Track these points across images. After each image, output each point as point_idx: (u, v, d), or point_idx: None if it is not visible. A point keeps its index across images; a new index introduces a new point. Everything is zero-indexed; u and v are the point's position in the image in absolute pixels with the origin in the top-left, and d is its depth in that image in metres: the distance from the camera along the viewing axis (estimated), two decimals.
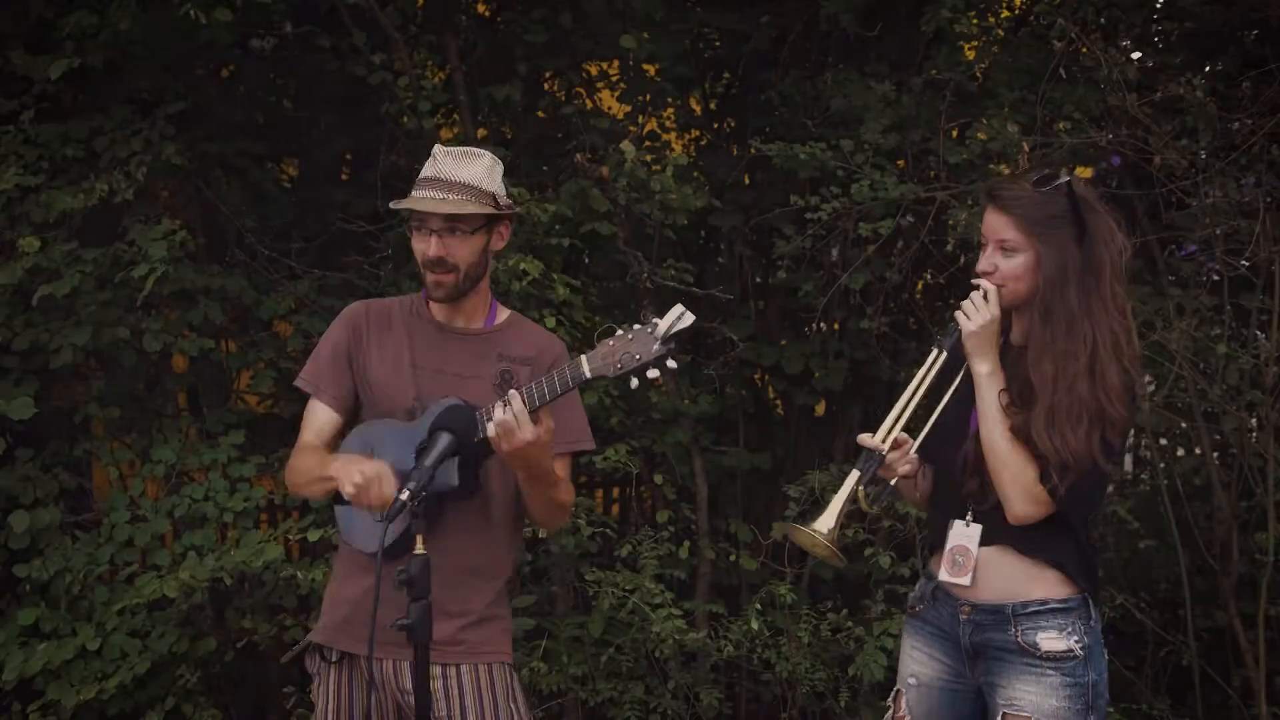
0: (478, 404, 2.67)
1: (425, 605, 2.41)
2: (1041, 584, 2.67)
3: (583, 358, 2.51)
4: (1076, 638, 2.65)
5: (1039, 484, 2.59)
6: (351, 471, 2.59)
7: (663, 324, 2.41)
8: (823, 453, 5.28)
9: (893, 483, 2.70)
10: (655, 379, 2.49)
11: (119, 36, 4.61)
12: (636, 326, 2.46)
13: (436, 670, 2.74)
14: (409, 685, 2.68)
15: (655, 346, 2.41)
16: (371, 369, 2.84)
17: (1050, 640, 2.64)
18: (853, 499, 2.62)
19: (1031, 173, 2.77)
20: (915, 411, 2.69)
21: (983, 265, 2.69)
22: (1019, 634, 2.66)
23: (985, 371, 2.66)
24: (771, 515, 4.98)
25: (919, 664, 2.81)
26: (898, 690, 2.85)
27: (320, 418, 2.87)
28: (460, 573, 2.76)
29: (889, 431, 2.64)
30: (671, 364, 2.44)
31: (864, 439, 2.64)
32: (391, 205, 2.84)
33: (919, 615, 2.83)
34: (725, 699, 4.81)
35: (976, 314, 2.65)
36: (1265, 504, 4.51)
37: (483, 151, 2.83)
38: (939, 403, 2.75)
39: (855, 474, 2.62)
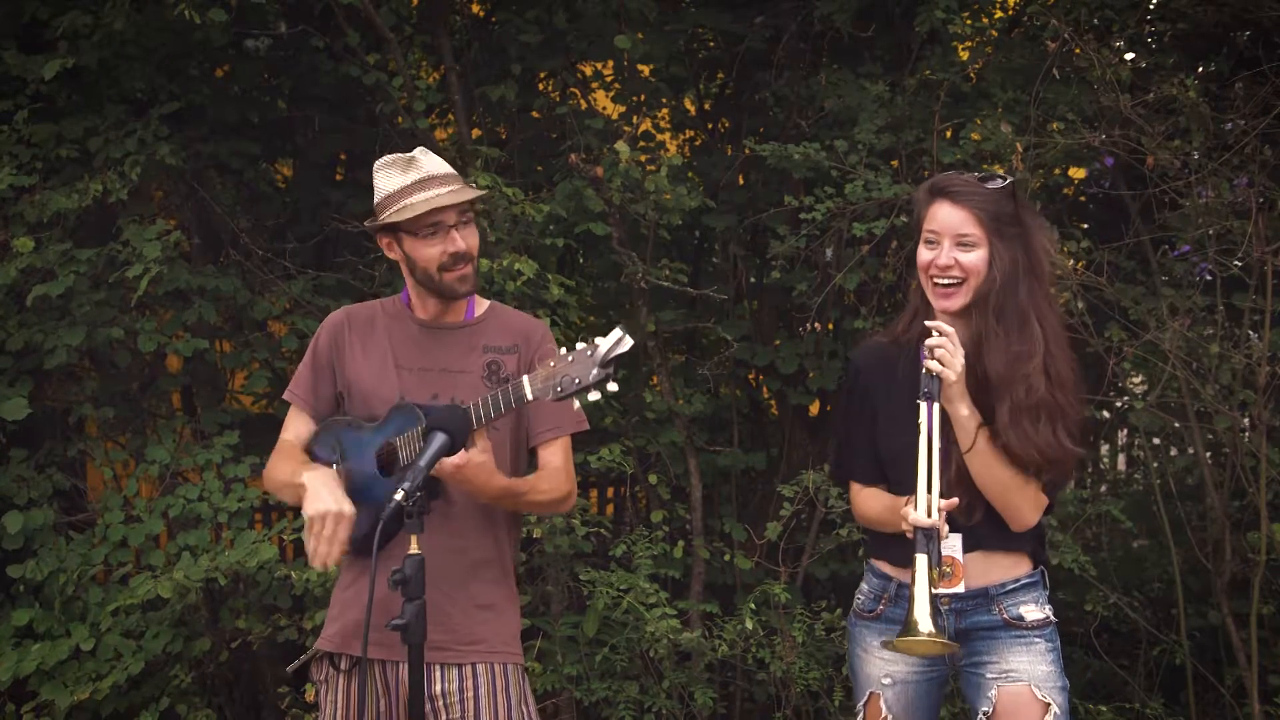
0: (463, 400, 2.66)
1: (420, 606, 2.41)
2: (1013, 566, 2.79)
3: (524, 379, 2.52)
4: (1049, 607, 2.81)
5: (1041, 493, 2.71)
6: (320, 498, 2.62)
7: (602, 347, 2.42)
8: (817, 453, 5.28)
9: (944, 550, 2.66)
10: (597, 400, 2.50)
11: (113, 36, 4.62)
12: (579, 346, 2.46)
13: (453, 671, 2.75)
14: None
15: (594, 371, 2.42)
16: (355, 374, 2.85)
17: (1031, 611, 2.77)
18: (931, 584, 2.55)
19: (963, 172, 2.80)
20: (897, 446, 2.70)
21: (942, 259, 2.68)
22: (1004, 610, 2.76)
23: (966, 414, 2.66)
24: (765, 515, 4.98)
25: (892, 663, 2.82)
26: (870, 694, 2.85)
27: (299, 425, 2.92)
28: (473, 566, 2.77)
29: (929, 504, 2.58)
30: (612, 386, 2.45)
31: (917, 520, 2.56)
32: (409, 214, 2.73)
33: (881, 616, 2.84)
34: (719, 698, 4.81)
35: (952, 359, 2.62)
36: (1257, 503, 4.52)
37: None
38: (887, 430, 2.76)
39: (922, 559, 2.55)
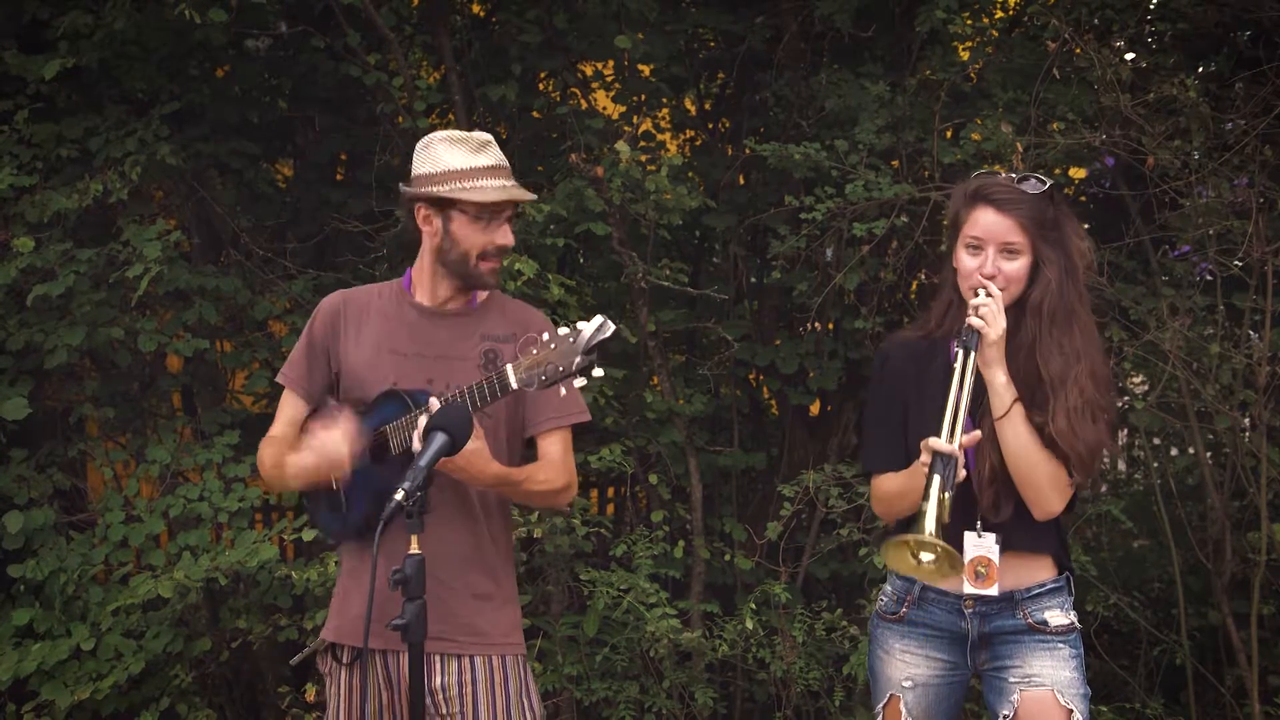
0: (459, 387, 2.68)
1: (420, 605, 2.41)
2: (1039, 570, 2.77)
3: (509, 367, 2.53)
4: (1074, 613, 2.78)
5: (1069, 480, 2.69)
6: (332, 461, 2.67)
7: (584, 334, 2.44)
8: (818, 452, 5.28)
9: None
10: (582, 386, 2.52)
11: (113, 36, 4.62)
12: (562, 332, 2.47)
13: (453, 664, 2.75)
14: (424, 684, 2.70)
15: (577, 359, 2.44)
16: (350, 359, 2.84)
17: (1056, 617, 2.75)
18: (941, 506, 2.53)
19: (1002, 174, 2.79)
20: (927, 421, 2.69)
21: (987, 269, 2.68)
22: (1028, 615, 2.75)
23: (1003, 381, 2.66)
24: (765, 515, 4.98)
25: (913, 666, 2.82)
26: (891, 696, 2.84)
27: (292, 409, 2.91)
28: (462, 559, 2.77)
29: (951, 433, 2.58)
30: (598, 372, 2.47)
31: (935, 444, 2.56)
32: (483, 197, 2.73)
33: (904, 619, 2.83)
34: (720, 698, 4.81)
35: (994, 320, 2.63)
36: (1258, 503, 4.52)
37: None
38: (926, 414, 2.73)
39: (937, 480, 2.54)
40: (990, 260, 2.68)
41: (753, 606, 4.62)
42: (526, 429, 2.86)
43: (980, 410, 2.70)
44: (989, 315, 2.63)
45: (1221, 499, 4.68)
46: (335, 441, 2.66)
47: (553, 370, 2.46)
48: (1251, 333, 4.69)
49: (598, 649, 4.63)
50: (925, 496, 2.53)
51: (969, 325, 2.64)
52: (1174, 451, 5.59)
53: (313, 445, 2.71)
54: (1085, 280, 2.76)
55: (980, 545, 2.71)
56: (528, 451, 2.91)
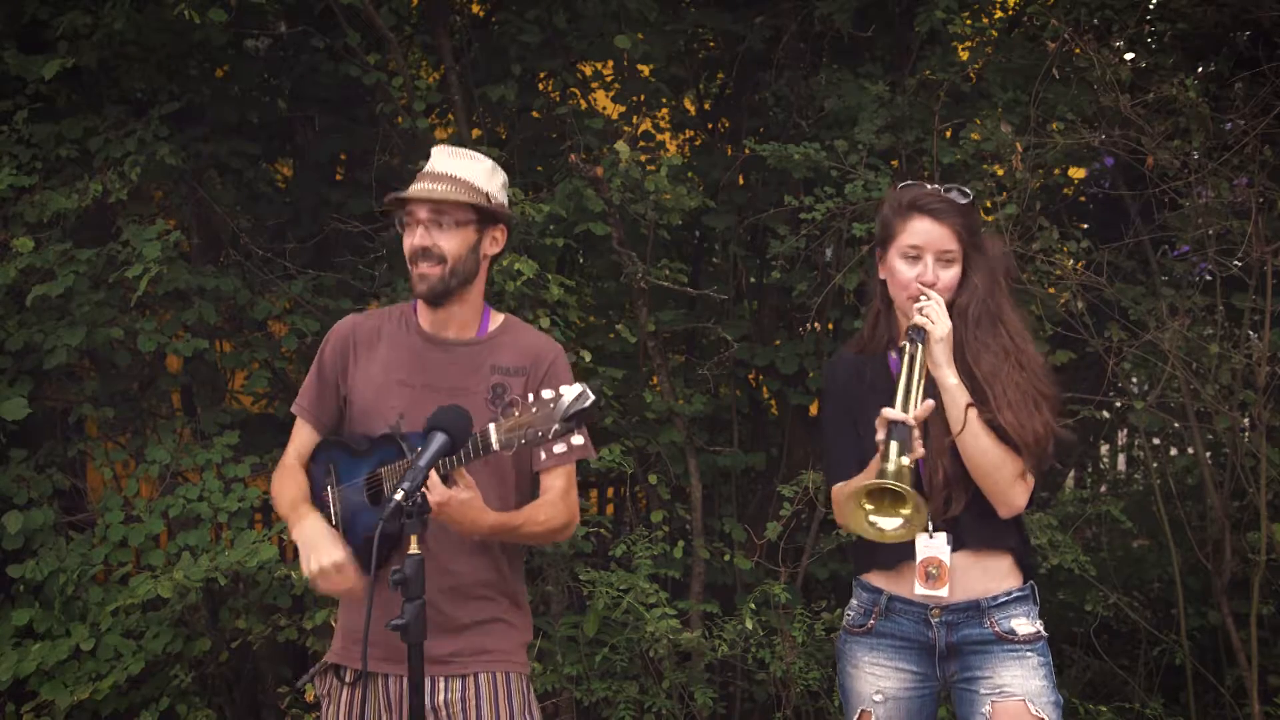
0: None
1: (419, 605, 2.41)
2: (1002, 577, 2.79)
3: (491, 427, 2.54)
4: (1039, 622, 2.80)
5: (1028, 472, 2.72)
6: (311, 559, 2.65)
7: (563, 402, 2.46)
8: (817, 453, 5.28)
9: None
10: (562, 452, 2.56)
11: (113, 36, 4.62)
12: (545, 395, 2.49)
13: (456, 682, 2.76)
14: (427, 702, 2.70)
15: (555, 426, 2.46)
16: (359, 388, 2.83)
17: (1023, 625, 2.77)
18: (900, 468, 2.55)
19: (926, 184, 2.85)
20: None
21: (928, 277, 2.75)
22: (995, 624, 2.76)
23: (954, 382, 2.71)
24: (765, 515, 4.98)
25: (883, 679, 2.83)
26: (861, 712, 2.85)
27: (303, 438, 2.93)
28: (471, 586, 2.77)
29: (905, 406, 2.61)
30: (577, 440, 2.53)
31: (889, 413, 2.59)
32: (379, 207, 2.88)
33: (872, 631, 2.84)
34: (719, 698, 4.81)
35: (940, 318, 2.70)
36: (1257, 503, 4.52)
37: (485, 157, 2.86)
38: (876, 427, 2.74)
39: (895, 444, 2.56)
40: (930, 268, 2.75)
41: (752, 607, 4.62)
42: (533, 464, 2.84)
43: (930, 417, 2.71)
44: (933, 313, 2.70)
45: (1221, 499, 4.68)
46: (318, 558, 2.66)
47: (532, 434, 2.48)
48: (1251, 333, 4.69)
49: (597, 649, 4.63)
50: (884, 458, 2.55)
51: (914, 324, 2.70)
52: (1174, 451, 5.59)
53: (306, 539, 2.71)
54: (1008, 280, 2.86)
55: (931, 546, 2.75)
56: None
